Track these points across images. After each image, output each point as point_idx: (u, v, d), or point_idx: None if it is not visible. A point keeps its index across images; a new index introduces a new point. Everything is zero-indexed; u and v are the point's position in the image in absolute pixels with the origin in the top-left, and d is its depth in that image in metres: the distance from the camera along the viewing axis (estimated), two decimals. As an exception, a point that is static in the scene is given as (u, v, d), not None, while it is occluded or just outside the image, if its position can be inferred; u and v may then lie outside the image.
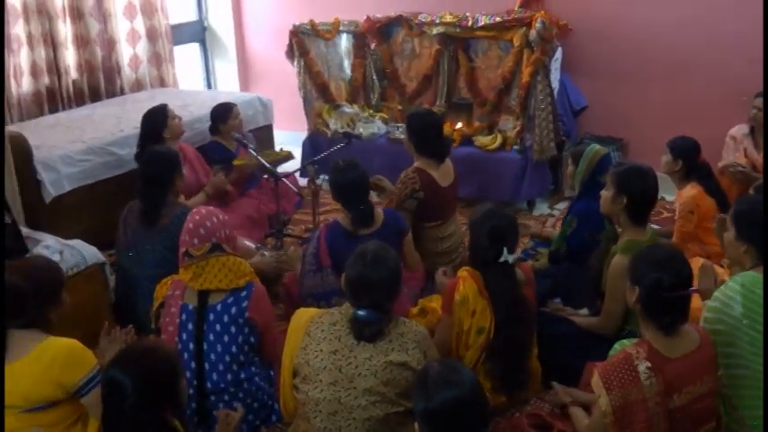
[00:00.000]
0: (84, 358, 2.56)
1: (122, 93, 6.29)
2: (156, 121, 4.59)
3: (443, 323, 3.09)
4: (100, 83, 6.11)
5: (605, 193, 3.32)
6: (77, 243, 3.82)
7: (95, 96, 6.07)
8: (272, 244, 4.81)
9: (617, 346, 2.67)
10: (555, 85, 5.46)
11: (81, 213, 4.64)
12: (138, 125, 4.70)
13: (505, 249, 2.96)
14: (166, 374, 2.21)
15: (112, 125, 5.18)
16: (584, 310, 3.56)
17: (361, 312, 2.60)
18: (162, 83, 6.63)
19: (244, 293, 2.96)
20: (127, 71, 6.37)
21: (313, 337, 2.67)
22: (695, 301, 2.61)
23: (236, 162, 4.87)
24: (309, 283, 3.55)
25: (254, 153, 4.71)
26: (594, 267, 3.44)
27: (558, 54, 5.52)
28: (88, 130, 5.08)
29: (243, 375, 2.97)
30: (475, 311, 3.00)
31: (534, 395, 3.22)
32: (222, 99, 5.37)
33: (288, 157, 5.02)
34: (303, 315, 2.85)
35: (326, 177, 4.55)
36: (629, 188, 3.22)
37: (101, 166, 4.79)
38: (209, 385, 2.93)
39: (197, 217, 3.01)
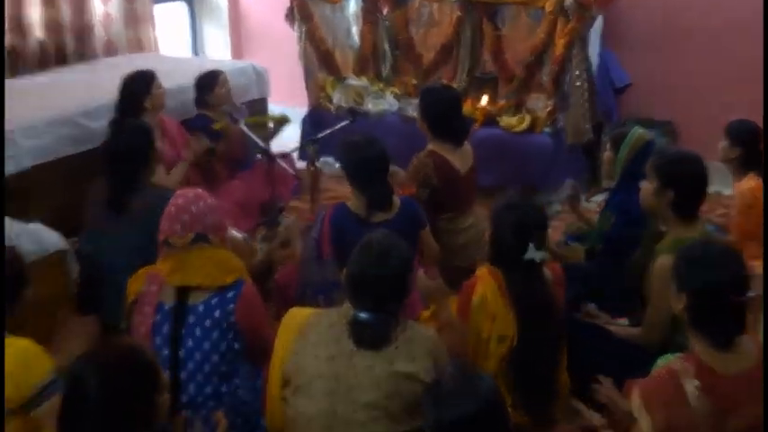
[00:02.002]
0: (39, 362, 2.53)
1: (94, 57, 6.26)
2: (140, 86, 4.59)
3: (457, 330, 3.08)
4: (68, 44, 6.08)
5: (647, 186, 3.31)
6: (36, 227, 3.79)
7: (62, 60, 6.05)
8: (263, 234, 4.80)
9: (661, 361, 2.67)
10: (593, 58, 5.47)
11: (44, 194, 4.61)
12: (113, 93, 4.68)
13: (532, 245, 2.93)
14: (145, 386, 2.13)
15: (82, 93, 5.16)
16: (623, 321, 3.55)
17: (362, 315, 2.58)
18: (140, 46, 6.60)
19: (231, 294, 2.92)
20: (99, 32, 6.32)
21: (307, 340, 2.65)
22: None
23: (216, 126, 4.87)
24: (308, 273, 3.57)
25: (246, 129, 4.70)
26: (635, 270, 3.41)
27: (598, 23, 5.51)
28: (54, 97, 5.06)
29: (225, 388, 2.94)
30: (495, 316, 2.98)
31: (562, 415, 3.17)
32: (211, 67, 5.38)
33: (282, 121, 5.02)
34: (296, 316, 2.83)
35: (329, 159, 4.57)
36: (676, 180, 3.21)
37: (68, 140, 4.76)
38: (184, 398, 2.89)
39: (181, 200, 2.97)
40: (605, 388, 2.88)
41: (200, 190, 3.10)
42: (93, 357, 2.15)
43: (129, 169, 3.74)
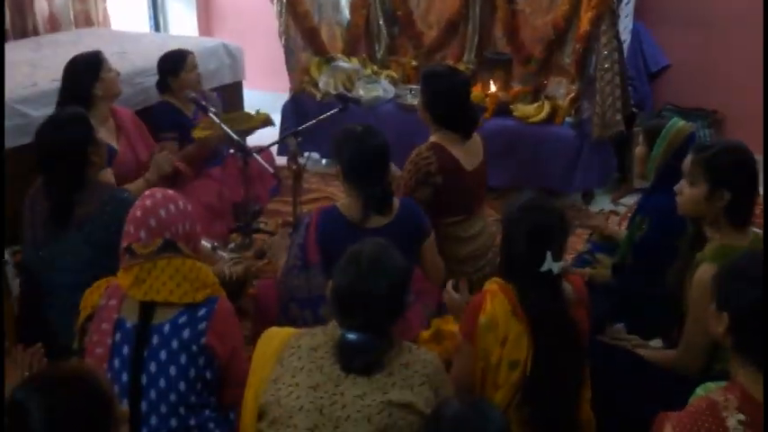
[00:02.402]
0: None
1: (35, 33, 6.29)
2: (85, 71, 4.56)
3: (463, 354, 3.07)
4: (4, 18, 6.06)
5: (692, 191, 3.26)
6: None
7: (-4, 37, 6.06)
8: (237, 242, 4.81)
9: (699, 390, 2.64)
10: (625, 36, 5.49)
11: (-27, 194, 4.61)
12: (58, 77, 4.67)
13: (550, 254, 2.92)
14: (96, 415, 2.11)
15: (23, 76, 5.19)
16: (657, 341, 3.55)
17: (350, 336, 2.59)
18: (88, 21, 6.64)
19: (202, 312, 2.91)
20: (41, 4, 6.34)
21: (287, 366, 2.66)
22: None
23: (196, 133, 4.86)
24: (292, 283, 3.58)
25: (217, 119, 4.71)
26: (671, 284, 3.42)
27: (631, -5, 5.52)
28: (-14, 81, 5.07)
29: (192, 422, 2.92)
30: (506, 339, 2.97)
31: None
32: (174, 46, 5.40)
33: (265, 122, 5.02)
34: (274, 337, 2.84)
35: (314, 154, 4.58)
36: (733, 179, 3.17)
37: (6, 132, 4.72)
38: None
39: (148, 202, 2.97)
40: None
41: (170, 191, 3.09)
42: (36, 384, 2.13)
43: (65, 170, 3.68)
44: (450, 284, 3.46)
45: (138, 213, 2.94)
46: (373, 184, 3.58)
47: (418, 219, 3.73)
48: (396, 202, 3.68)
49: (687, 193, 3.29)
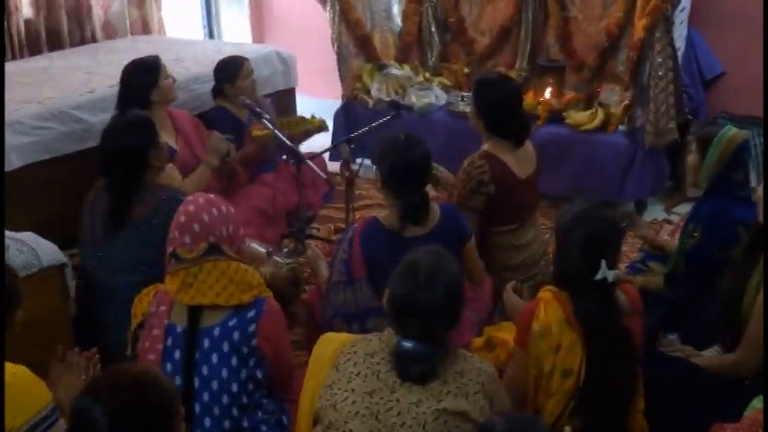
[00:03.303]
0: (32, 392, 2.53)
1: (93, 40, 6.35)
2: (143, 77, 4.59)
3: (516, 361, 3.08)
4: (63, 25, 6.16)
5: None
6: (29, 237, 3.80)
7: (56, 43, 6.13)
8: (290, 248, 4.84)
9: (756, 403, 2.62)
10: (680, 44, 5.45)
11: (35, 198, 4.65)
12: (115, 83, 4.71)
13: (604, 263, 2.92)
14: (162, 415, 2.11)
15: (79, 82, 5.22)
16: (711, 351, 3.53)
17: (407, 344, 2.60)
18: (145, 28, 6.71)
19: (251, 313, 2.94)
20: (97, 11, 6.41)
21: (342, 371, 2.67)
22: None
23: (254, 132, 4.89)
24: (338, 299, 3.57)
25: (270, 125, 4.75)
26: (725, 293, 3.40)
27: (686, 2, 5.48)
28: (46, 87, 5.12)
29: (246, 423, 2.95)
30: (560, 347, 2.97)
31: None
32: (228, 52, 5.43)
33: (320, 128, 5.03)
34: (330, 343, 2.85)
35: (366, 161, 4.59)
36: None
37: (63, 137, 4.81)
38: None
39: (191, 207, 2.99)
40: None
41: (211, 195, 3.12)
42: (99, 391, 2.12)
43: (126, 172, 3.74)
44: (510, 286, 3.46)
45: (182, 219, 2.97)
46: (410, 193, 3.56)
47: (459, 224, 3.70)
48: (435, 209, 3.65)
49: None
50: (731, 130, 3.90)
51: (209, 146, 4.62)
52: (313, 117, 5.11)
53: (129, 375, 2.17)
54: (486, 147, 4.08)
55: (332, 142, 5.74)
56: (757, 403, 2.61)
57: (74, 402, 2.11)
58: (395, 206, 3.60)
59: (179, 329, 2.94)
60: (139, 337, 3.02)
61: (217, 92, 5.14)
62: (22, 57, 5.90)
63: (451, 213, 3.72)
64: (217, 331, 2.92)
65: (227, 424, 2.92)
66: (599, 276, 2.93)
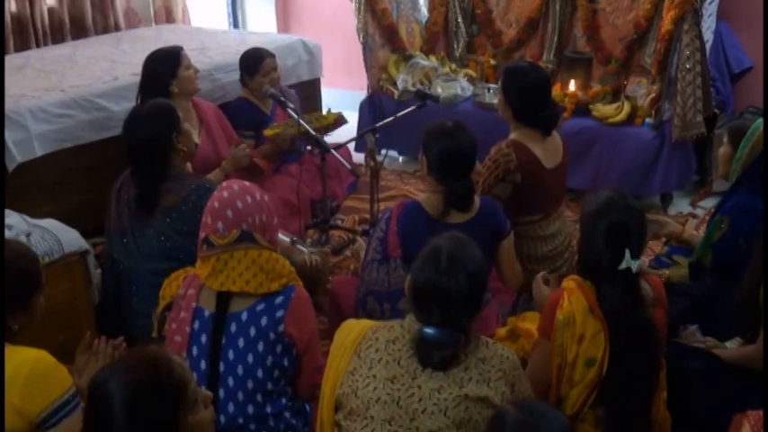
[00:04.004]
0: (55, 377, 2.55)
1: (116, 29, 6.38)
2: (163, 67, 4.61)
3: (540, 350, 3.09)
4: (86, 13, 6.19)
5: None
6: (51, 224, 3.84)
7: (80, 31, 6.17)
8: (314, 238, 4.85)
9: (778, 393, 2.63)
10: (708, 37, 5.43)
11: (57, 186, 4.70)
12: (138, 72, 4.73)
13: (628, 253, 2.92)
14: (167, 395, 2.09)
15: (102, 70, 5.26)
16: (732, 342, 3.52)
17: (428, 331, 2.60)
18: (168, 17, 6.76)
19: (280, 300, 2.94)
20: (122, 0, 6.44)
21: (364, 358, 2.69)
22: None
23: (266, 132, 4.91)
24: (371, 278, 3.60)
25: (296, 116, 4.76)
26: (748, 284, 3.39)
27: (714, -6, 5.46)
28: (69, 75, 5.16)
29: (269, 410, 2.96)
30: (583, 337, 2.97)
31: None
32: (253, 42, 5.48)
33: (338, 122, 5.04)
34: (352, 329, 2.85)
35: (392, 152, 4.60)
36: None
37: (86, 125, 4.82)
38: (222, 419, 2.91)
39: (225, 194, 2.99)
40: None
41: (246, 183, 3.10)
42: (120, 363, 2.14)
43: (152, 158, 3.76)
44: (540, 276, 3.46)
45: (216, 205, 2.96)
46: (457, 180, 3.58)
47: (498, 218, 3.72)
48: (477, 200, 3.68)
49: None
50: (763, 124, 3.90)
51: (231, 155, 4.63)
52: (329, 111, 5.11)
53: (143, 354, 2.16)
54: (513, 136, 4.08)
55: (357, 133, 5.75)
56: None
57: (91, 382, 2.10)
58: (439, 192, 3.62)
59: (207, 314, 2.94)
60: (166, 318, 3.05)
61: (242, 82, 5.17)
62: (45, 45, 5.93)
63: (492, 207, 3.74)
64: (244, 316, 2.92)
65: (250, 409, 2.93)
66: (623, 266, 2.93)
